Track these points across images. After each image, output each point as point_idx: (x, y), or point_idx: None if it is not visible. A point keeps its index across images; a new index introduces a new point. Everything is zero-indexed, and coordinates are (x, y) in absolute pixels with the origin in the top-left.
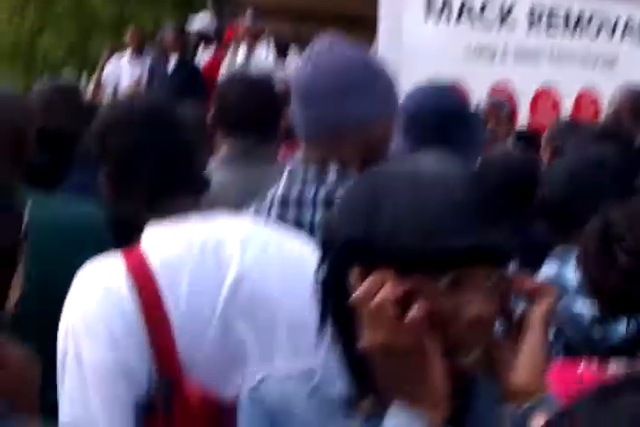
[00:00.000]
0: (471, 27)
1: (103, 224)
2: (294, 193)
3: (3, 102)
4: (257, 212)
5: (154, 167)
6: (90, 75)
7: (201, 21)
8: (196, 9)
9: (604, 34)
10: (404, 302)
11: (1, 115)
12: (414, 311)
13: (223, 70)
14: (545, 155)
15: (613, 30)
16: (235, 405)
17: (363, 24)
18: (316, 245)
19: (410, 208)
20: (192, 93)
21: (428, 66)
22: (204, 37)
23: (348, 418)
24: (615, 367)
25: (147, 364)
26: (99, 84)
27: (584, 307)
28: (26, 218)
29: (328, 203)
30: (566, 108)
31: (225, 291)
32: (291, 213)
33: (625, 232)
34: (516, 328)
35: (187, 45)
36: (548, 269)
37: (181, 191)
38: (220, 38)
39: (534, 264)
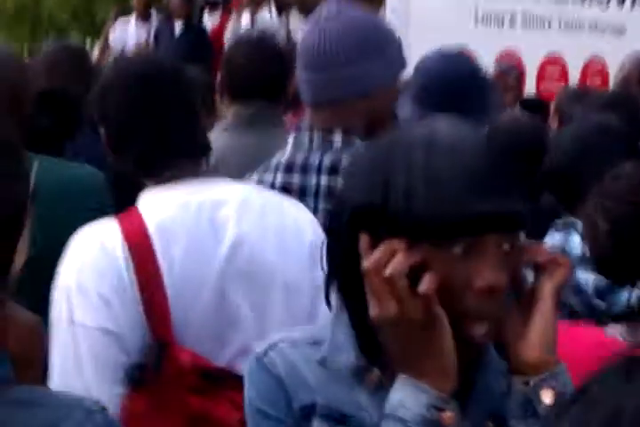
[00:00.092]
0: None
1: (104, 187)
2: (299, 159)
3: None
4: (262, 177)
5: (148, 130)
6: (95, 40)
7: None
8: None
9: (613, 3)
10: (413, 273)
11: None
12: (426, 283)
13: (228, 35)
14: (553, 122)
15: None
16: (226, 370)
17: None
18: (316, 212)
19: (424, 175)
20: (199, 56)
21: (436, 33)
22: (209, 2)
23: (357, 389)
24: (613, 330)
25: (139, 325)
26: (104, 49)
27: (588, 277)
28: (32, 181)
29: (333, 170)
30: (574, 76)
31: (223, 253)
32: (295, 180)
33: (609, 202)
34: (526, 299)
35: (193, 10)
36: (552, 239)
37: (178, 155)
38: (225, 3)
39: (541, 234)
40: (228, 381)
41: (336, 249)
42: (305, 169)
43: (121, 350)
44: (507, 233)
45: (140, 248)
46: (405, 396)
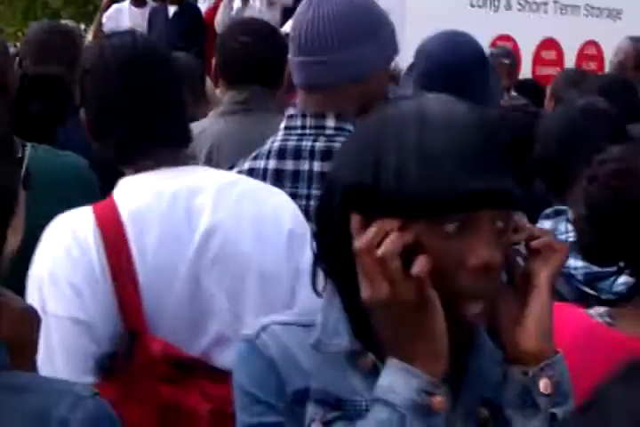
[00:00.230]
0: None
1: (92, 176)
2: (292, 145)
3: None
4: (253, 163)
5: (127, 116)
6: (88, 25)
7: None
8: None
9: None
10: (406, 254)
11: None
12: (419, 265)
13: (218, 18)
14: (549, 106)
15: None
16: (199, 360)
17: None
18: (309, 198)
19: (417, 152)
20: (193, 39)
21: (431, 16)
22: None
23: (351, 374)
24: (596, 313)
25: (111, 314)
26: (98, 34)
27: (577, 263)
28: (24, 167)
29: (326, 155)
30: (570, 59)
31: (195, 241)
32: (288, 166)
33: (592, 186)
34: (520, 283)
35: None
36: (541, 226)
37: (158, 143)
38: None
39: (534, 222)
40: (200, 371)
41: (327, 230)
42: (297, 155)
43: (92, 340)
44: (500, 210)
45: (113, 237)
46: (395, 380)
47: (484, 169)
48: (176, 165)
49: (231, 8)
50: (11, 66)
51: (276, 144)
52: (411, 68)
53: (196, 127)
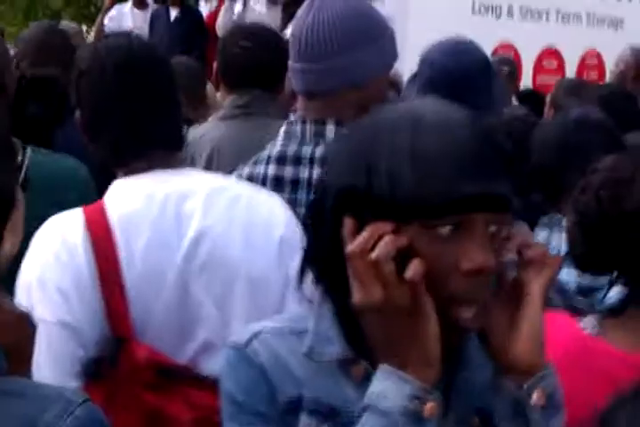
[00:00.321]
0: None
1: (89, 180)
2: (291, 151)
3: None
4: (253, 169)
5: (120, 118)
6: (90, 27)
7: None
8: None
9: None
10: (399, 258)
11: None
12: (413, 269)
13: (219, 22)
14: (549, 114)
15: None
16: (185, 368)
17: None
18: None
19: (410, 156)
20: (194, 43)
21: (433, 24)
22: None
23: (344, 382)
24: (586, 323)
25: (98, 319)
26: (100, 36)
27: (570, 275)
28: (24, 169)
29: (326, 162)
30: (571, 69)
31: (184, 248)
32: (288, 172)
33: (583, 195)
34: (511, 293)
35: None
36: (536, 237)
37: (151, 145)
38: None
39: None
40: (186, 378)
41: (319, 235)
42: (297, 161)
43: (78, 345)
44: (494, 214)
45: (102, 241)
46: (387, 386)
47: (478, 172)
48: (169, 167)
49: (232, 12)
50: (9, 67)
51: (276, 150)
52: (414, 76)
53: (196, 131)
